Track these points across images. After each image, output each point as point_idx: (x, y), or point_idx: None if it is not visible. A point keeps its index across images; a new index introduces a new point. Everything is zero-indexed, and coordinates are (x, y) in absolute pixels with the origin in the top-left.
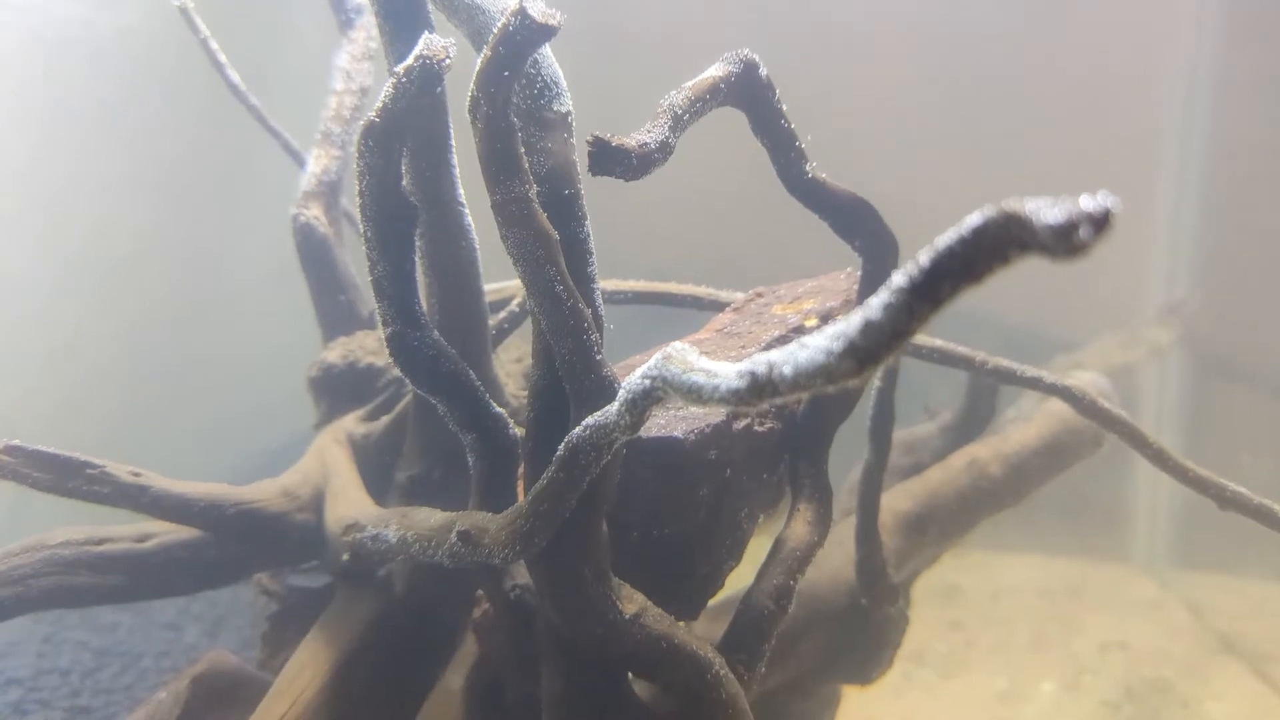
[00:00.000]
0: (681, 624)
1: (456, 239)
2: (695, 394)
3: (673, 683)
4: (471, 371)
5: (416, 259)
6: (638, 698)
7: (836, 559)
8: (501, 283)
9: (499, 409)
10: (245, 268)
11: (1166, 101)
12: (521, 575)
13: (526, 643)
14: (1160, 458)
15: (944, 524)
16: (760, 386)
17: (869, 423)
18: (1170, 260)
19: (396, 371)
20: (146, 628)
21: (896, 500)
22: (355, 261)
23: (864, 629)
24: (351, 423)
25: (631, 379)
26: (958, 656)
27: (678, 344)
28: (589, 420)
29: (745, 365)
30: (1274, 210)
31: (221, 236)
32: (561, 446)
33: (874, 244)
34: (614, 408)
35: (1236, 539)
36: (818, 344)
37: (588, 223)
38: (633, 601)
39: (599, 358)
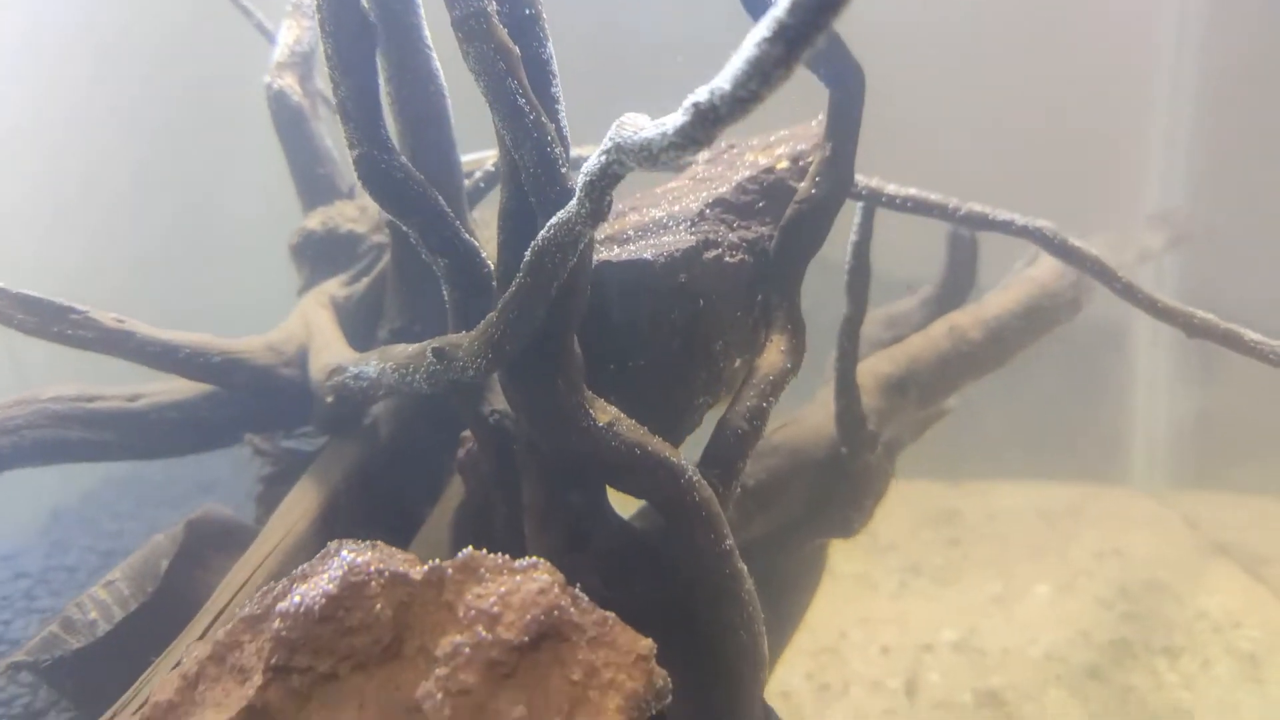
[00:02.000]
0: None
1: (425, 83)
2: (647, 150)
3: (647, 489)
4: (441, 198)
5: (381, 84)
6: (614, 511)
7: (819, 416)
8: (480, 153)
9: (471, 238)
10: (245, 206)
11: (1162, 18)
12: (500, 403)
13: (508, 468)
14: (1129, 291)
15: (924, 386)
16: (704, 113)
17: (846, 276)
18: (1165, 171)
19: (377, 238)
20: (150, 534)
21: (879, 364)
22: (333, 136)
23: (845, 478)
24: (334, 286)
25: (588, 163)
26: (954, 567)
27: (629, 114)
28: (552, 220)
29: (686, 101)
30: (1262, 126)
31: (221, 174)
32: (528, 251)
33: (839, 72)
34: (573, 200)
35: (1234, 457)
36: (749, 44)
37: (550, 44)
38: (606, 413)
39: (563, 170)
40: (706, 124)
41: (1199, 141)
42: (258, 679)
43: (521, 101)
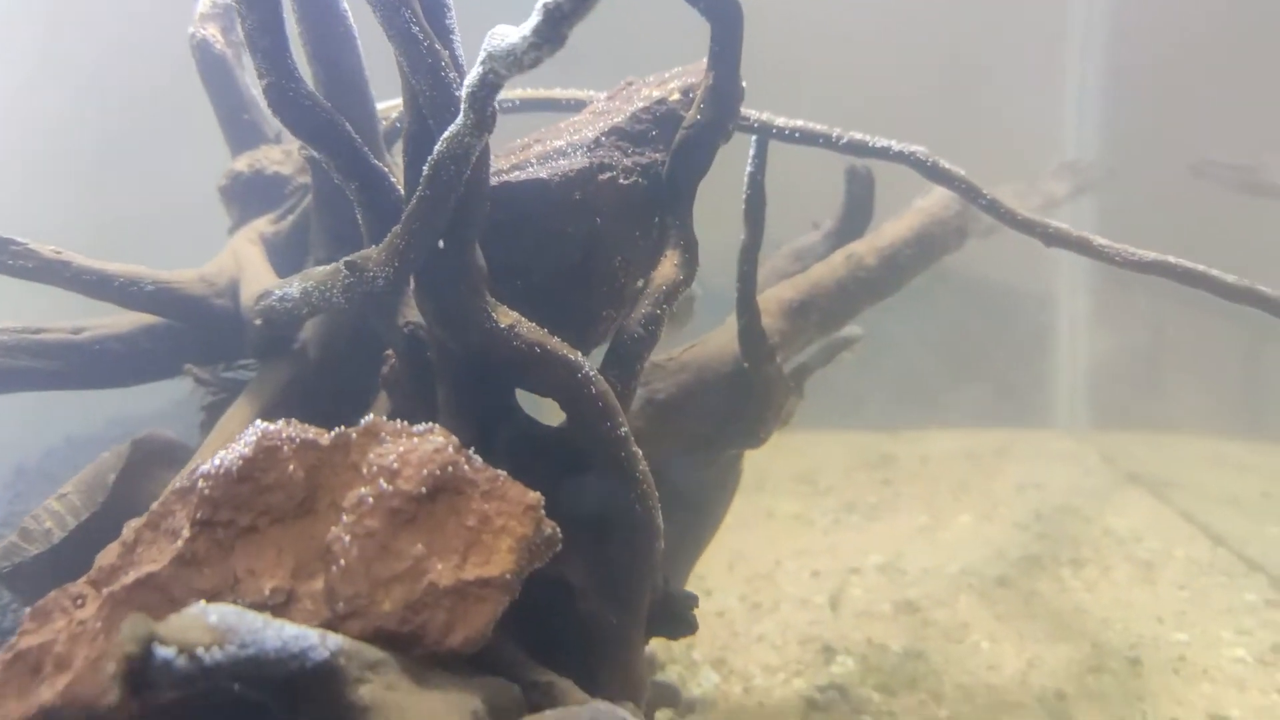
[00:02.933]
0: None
1: (333, 23)
2: (513, 54)
3: (548, 384)
4: (350, 127)
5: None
6: (521, 409)
7: (724, 338)
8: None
9: (381, 164)
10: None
11: None
12: (414, 315)
13: (426, 380)
14: (992, 207)
15: (825, 310)
16: (552, 11)
17: (743, 205)
18: (1078, 126)
19: (302, 179)
20: None
21: (782, 291)
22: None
23: (749, 392)
24: (262, 224)
25: (468, 77)
26: (885, 504)
27: (499, 26)
28: (444, 135)
29: (538, 3)
30: (1165, 84)
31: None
32: (425, 166)
33: (715, 6)
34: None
35: (1153, 400)
36: None
37: None
38: (508, 316)
39: (457, 94)
40: (556, 21)
41: (1110, 95)
42: (186, 533)
43: (415, 30)
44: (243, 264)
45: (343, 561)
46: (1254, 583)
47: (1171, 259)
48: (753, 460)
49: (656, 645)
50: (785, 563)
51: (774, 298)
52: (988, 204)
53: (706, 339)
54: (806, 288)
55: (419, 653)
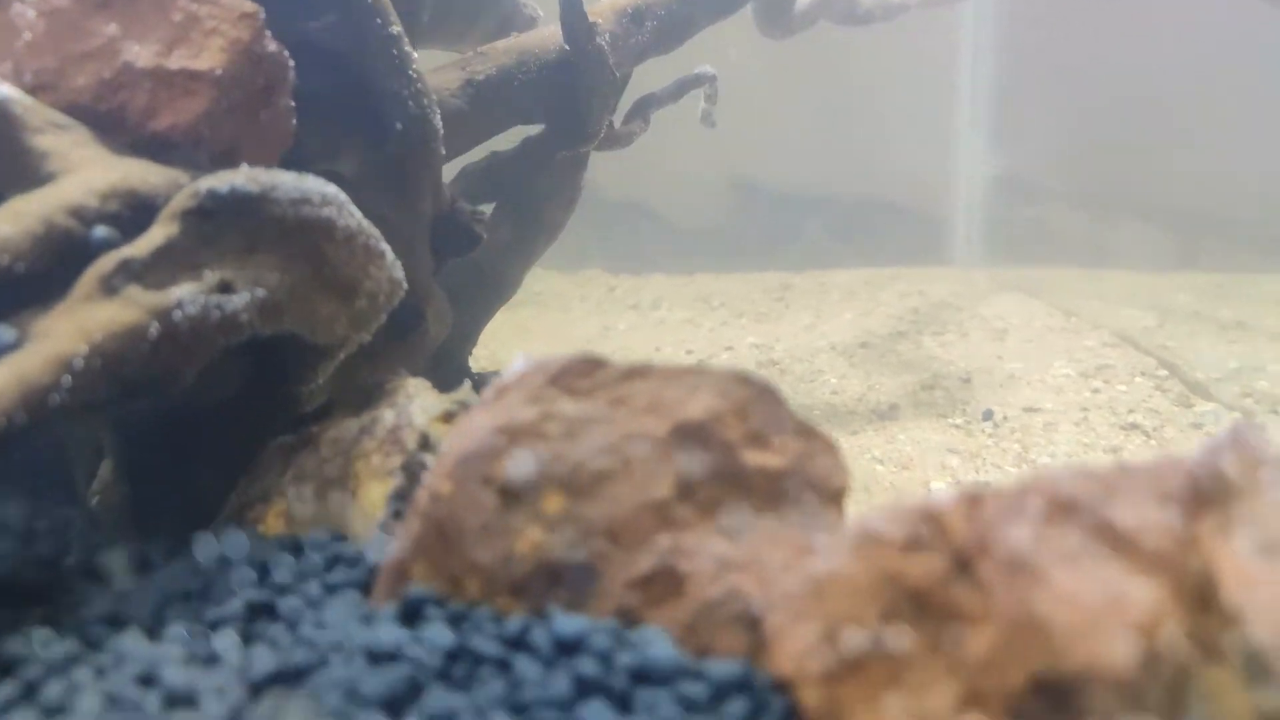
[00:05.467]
0: None
1: None
2: None
3: None
4: None
5: None
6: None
7: (547, 31)
8: None
9: None
10: None
11: None
12: None
13: None
14: None
15: (661, 19)
16: None
17: None
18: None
19: None
20: None
21: (619, 1)
22: None
23: (573, 80)
24: None
25: None
26: (774, 313)
27: None
28: None
29: None
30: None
31: None
32: None
33: None
34: None
35: (1043, 241)
36: None
37: None
38: None
39: None
40: None
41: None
42: None
43: None
44: None
45: (29, 35)
46: (1099, 335)
47: None
48: (652, 286)
49: None
50: (664, 349)
51: (611, 5)
52: None
53: (532, 32)
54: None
55: (126, 139)
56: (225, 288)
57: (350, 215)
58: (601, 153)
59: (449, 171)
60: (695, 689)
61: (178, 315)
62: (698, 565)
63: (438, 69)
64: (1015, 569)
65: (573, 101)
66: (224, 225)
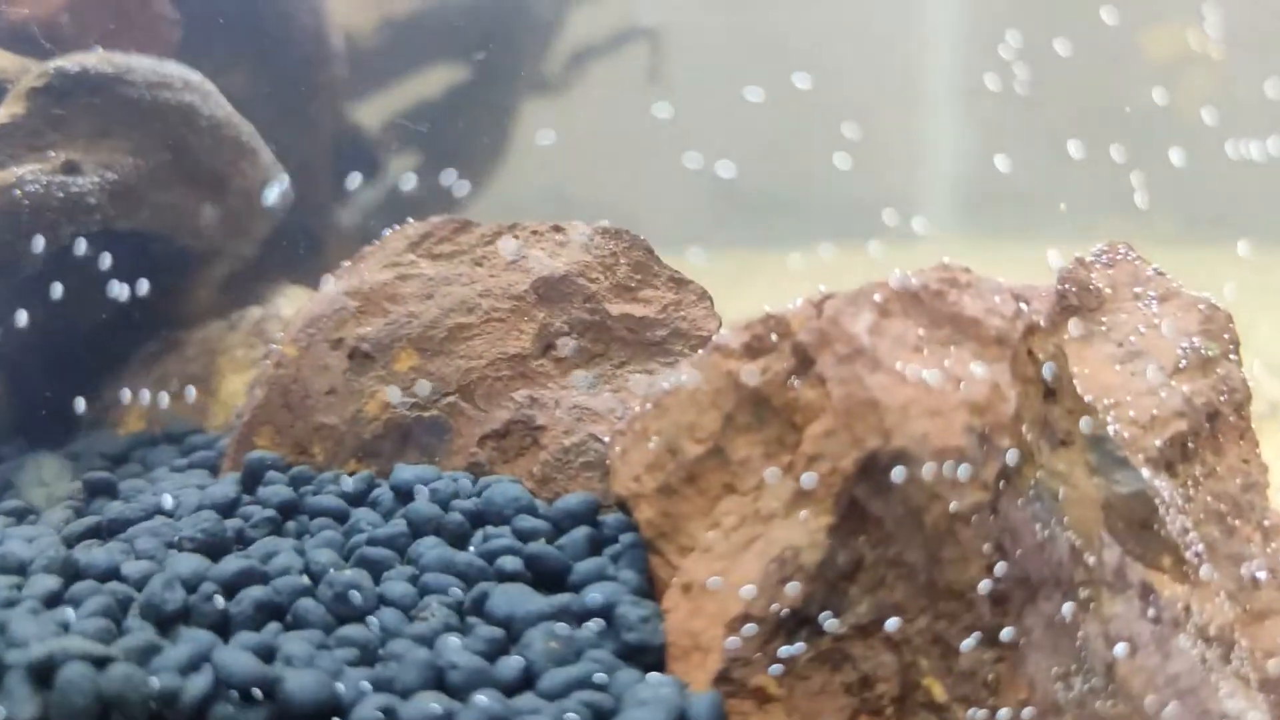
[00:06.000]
0: None
1: None
2: None
3: None
4: None
5: None
6: None
7: None
8: None
9: None
10: None
11: None
12: None
13: None
14: None
15: None
16: None
17: None
18: None
19: None
20: None
21: None
22: None
23: (498, 24)
24: None
25: None
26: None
27: None
28: None
29: None
30: None
31: None
32: None
33: None
34: None
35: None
36: None
37: None
38: None
39: None
40: None
41: None
42: None
43: None
44: None
45: None
46: None
47: None
48: None
49: None
50: None
51: None
52: None
53: None
54: None
55: None
56: (71, 168)
57: (218, 105)
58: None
59: (372, 111)
60: (533, 523)
61: (17, 194)
62: (556, 416)
63: (355, 5)
64: (852, 357)
65: (498, 44)
66: (74, 107)
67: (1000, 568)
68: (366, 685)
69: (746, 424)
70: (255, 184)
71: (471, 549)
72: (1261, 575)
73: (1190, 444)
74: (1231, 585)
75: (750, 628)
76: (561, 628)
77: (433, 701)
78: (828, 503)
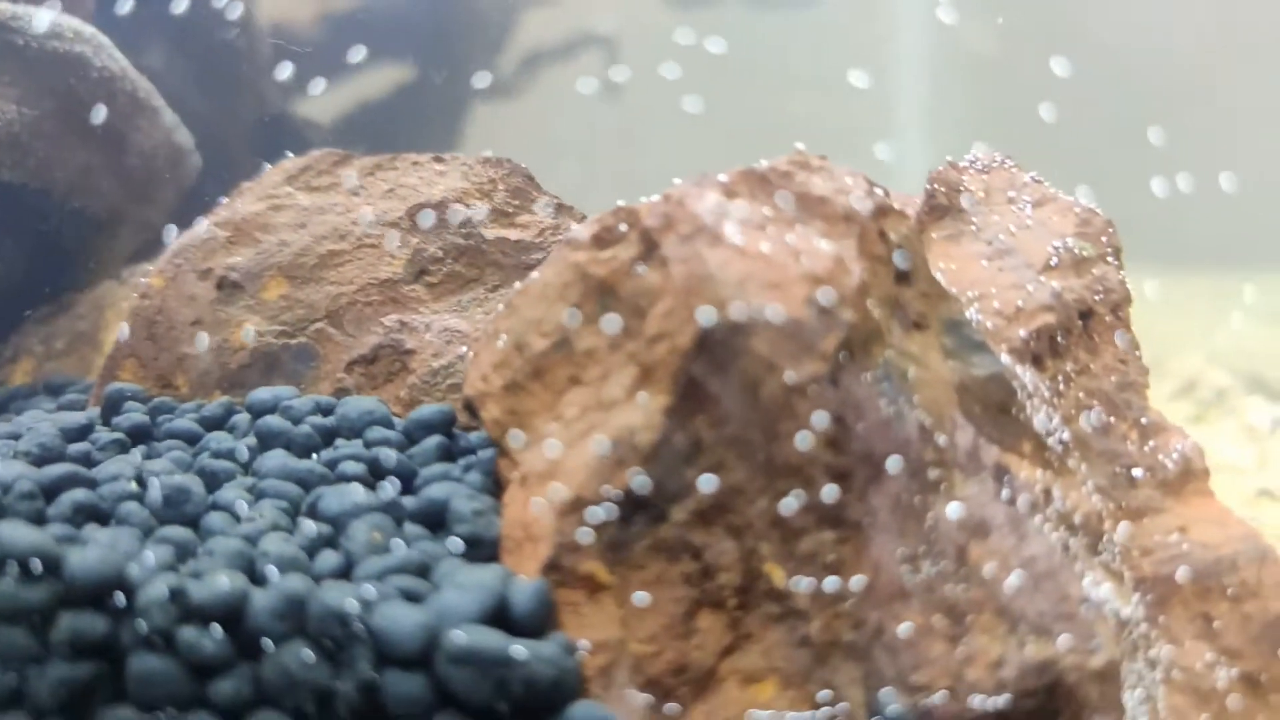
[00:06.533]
0: None
1: None
2: None
3: None
4: None
5: None
6: None
7: None
8: None
9: None
10: None
11: None
12: None
13: None
14: None
15: None
16: None
17: None
18: None
19: None
20: None
21: None
22: None
23: (445, 22)
24: None
25: None
26: None
27: None
28: None
29: None
30: None
31: None
32: None
33: None
34: None
35: None
36: None
37: None
38: None
39: None
40: None
41: None
42: None
43: None
44: None
45: None
46: None
47: None
48: None
49: None
50: None
51: None
52: None
53: None
54: None
55: None
56: None
57: (112, 59)
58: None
59: (317, 107)
60: (385, 434)
61: None
62: (425, 340)
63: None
64: (694, 235)
65: (446, 43)
66: None
67: (841, 443)
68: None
69: (593, 315)
70: (156, 145)
71: (314, 457)
72: (1138, 473)
73: (1060, 339)
74: (1104, 481)
75: (579, 514)
76: (388, 521)
77: (225, 578)
78: (665, 383)
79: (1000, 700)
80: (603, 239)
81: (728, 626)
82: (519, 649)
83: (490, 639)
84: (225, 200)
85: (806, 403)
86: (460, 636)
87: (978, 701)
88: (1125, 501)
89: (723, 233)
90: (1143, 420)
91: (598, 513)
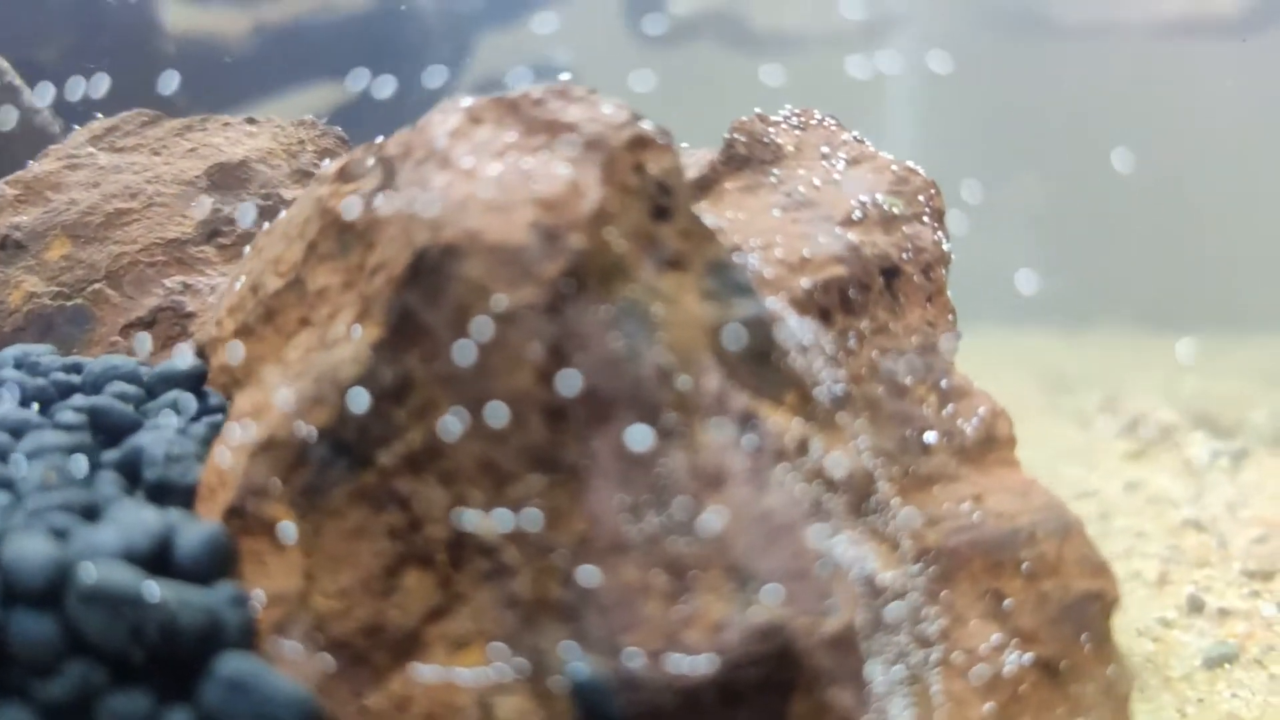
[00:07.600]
0: None
1: None
2: None
3: None
4: None
5: None
6: None
7: None
8: None
9: None
10: None
11: None
12: None
13: None
14: None
15: None
16: None
17: None
18: None
19: None
20: None
21: None
22: None
23: (388, 39)
24: None
25: None
26: None
27: None
28: None
29: None
30: None
31: None
32: None
33: None
34: None
35: None
36: None
37: None
38: None
39: None
40: None
41: None
42: None
43: None
44: None
45: None
46: None
47: None
48: None
49: None
50: None
51: None
52: None
53: None
54: None
55: None
56: None
57: None
58: None
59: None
60: (125, 388)
61: None
62: (209, 303)
63: (226, 10)
64: (425, 160)
65: (389, 62)
66: None
67: (558, 378)
68: None
69: (329, 251)
70: (23, 127)
71: (33, 407)
72: (931, 438)
73: (854, 294)
74: (890, 444)
75: (270, 456)
76: (78, 464)
77: None
78: (377, 315)
79: (707, 662)
80: (348, 172)
81: (438, 585)
82: (150, 588)
83: (121, 575)
84: (32, 163)
85: (518, 332)
86: (89, 571)
87: (688, 665)
88: (914, 466)
89: (452, 157)
90: (943, 384)
91: (287, 454)
